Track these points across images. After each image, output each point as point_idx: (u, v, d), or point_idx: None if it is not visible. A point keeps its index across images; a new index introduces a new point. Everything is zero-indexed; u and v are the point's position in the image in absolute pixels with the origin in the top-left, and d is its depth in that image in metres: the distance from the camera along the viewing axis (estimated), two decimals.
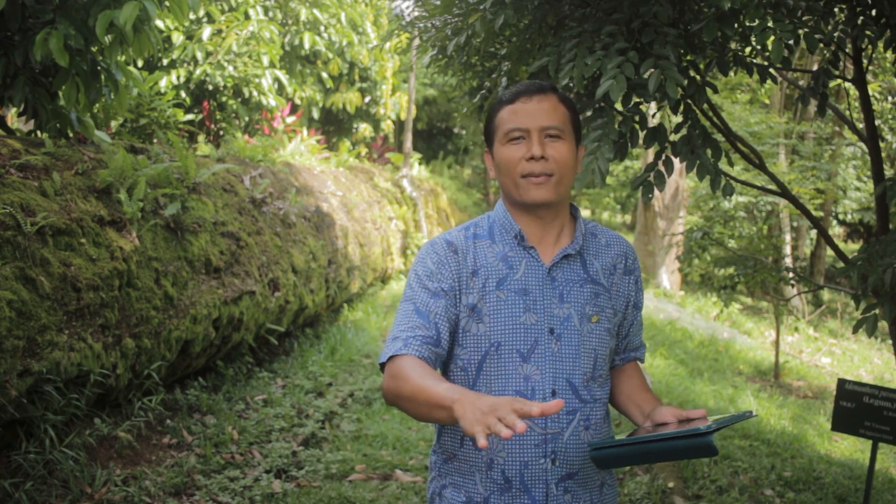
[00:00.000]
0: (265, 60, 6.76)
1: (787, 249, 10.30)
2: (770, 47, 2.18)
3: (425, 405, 1.33)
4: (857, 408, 3.15)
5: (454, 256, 1.60)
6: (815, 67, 7.23)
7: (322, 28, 9.03)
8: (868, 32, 2.61)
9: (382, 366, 1.51)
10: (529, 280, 1.58)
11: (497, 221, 1.65)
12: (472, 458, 1.59)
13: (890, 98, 10.24)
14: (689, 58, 2.36)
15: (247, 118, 7.03)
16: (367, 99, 11.81)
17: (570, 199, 1.68)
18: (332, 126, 12.01)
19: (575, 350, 1.57)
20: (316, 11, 8.68)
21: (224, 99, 6.69)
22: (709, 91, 2.38)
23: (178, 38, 6.31)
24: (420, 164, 15.31)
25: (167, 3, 3.61)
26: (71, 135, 3.98)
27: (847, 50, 2.90)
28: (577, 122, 1.62)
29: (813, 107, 11.06)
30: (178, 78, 6.28)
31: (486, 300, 1.57)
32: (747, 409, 1.56)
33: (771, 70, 2.64)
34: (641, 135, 2.39)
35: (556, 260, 1.60)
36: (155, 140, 5.30)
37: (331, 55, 9.22)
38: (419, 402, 1.35)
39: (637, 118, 2.35)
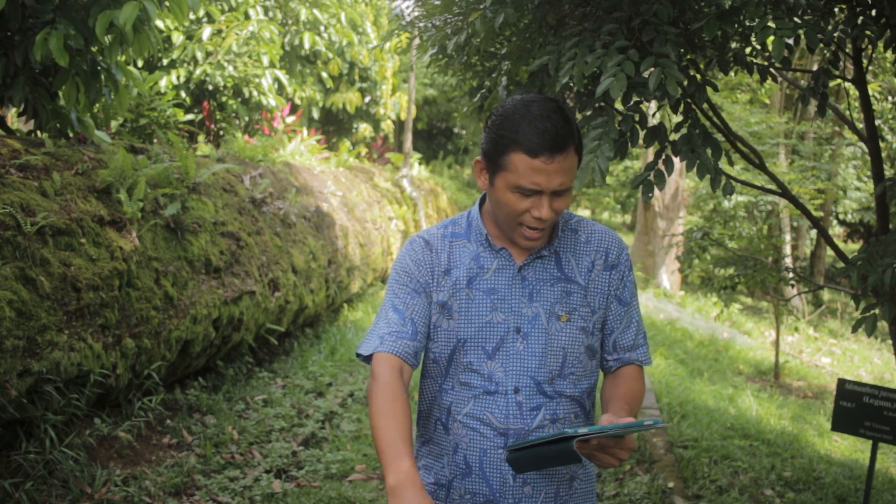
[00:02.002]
0: (265, 60, 6.76)
1: (787, 249, 10.29)
2: (770, 46, 2.18)
3: (378, 452, 1.41)
4: (857, 408, 3.15)
5: (429, 254, 1.64)
6: (815, 67, 7.23)
7: (322, 28, 9.02)
8: (868, 32, 2.61)
9: (360, 356, 1.59)
10: (499, 279, 1.60)
11: (473, 222, 1.66)
12: (442, 442, 1.65)
13: (890, 98, 10.24)
14: (689, 57, 2.36)
15: (247, 118, 7.03)
16: (367, 99, 11.80)
17: None
18: (332, 126, 12.01)
19: (542, 349, 1.57)
20: (316, 11, 8.68)
21: (224, 99, 6.69)
22: (709, 90, 2.38)
23: (178, 38, 6.31)
24: (420, 164, 15.30)
25: (167, 3, 3.61)
26: (71, 135, 3.98)
27: (847, 50, 2.90)
28: (581, 153, 1.55)
29: (813, 107, 11.06)
30: (178, 78, 6.28)
31: (456, 298, 1.60)
32: (656, 419, 1.49)
33: (771, 69, 2.64)
34: (641, 134, 2.39)
35: (528, 260, 1.60)
36: (155, 140, 5.30)
37: (331, 55, 9.22)
38: (377, 442, 1.43)
39: (637, 117, 2.35)
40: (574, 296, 1.60)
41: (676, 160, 2.39)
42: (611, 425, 1.34)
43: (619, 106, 2.31)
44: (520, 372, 1.57)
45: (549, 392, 1.58)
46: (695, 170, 2.31)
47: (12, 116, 5.63)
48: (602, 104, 2.19)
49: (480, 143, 1.59)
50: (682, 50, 2.30)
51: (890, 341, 5.49)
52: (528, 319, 1.58)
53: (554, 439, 1.34)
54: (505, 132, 1.49)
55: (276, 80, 6.95)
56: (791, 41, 2.43)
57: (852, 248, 17.59)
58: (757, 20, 2.05)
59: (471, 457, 1.59)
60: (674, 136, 2.46)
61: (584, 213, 28.16)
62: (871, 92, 3.80)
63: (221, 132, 7.05)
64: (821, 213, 11.22)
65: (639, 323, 1.69)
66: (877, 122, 5.23)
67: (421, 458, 1.70)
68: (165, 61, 6.43)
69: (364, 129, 12.02)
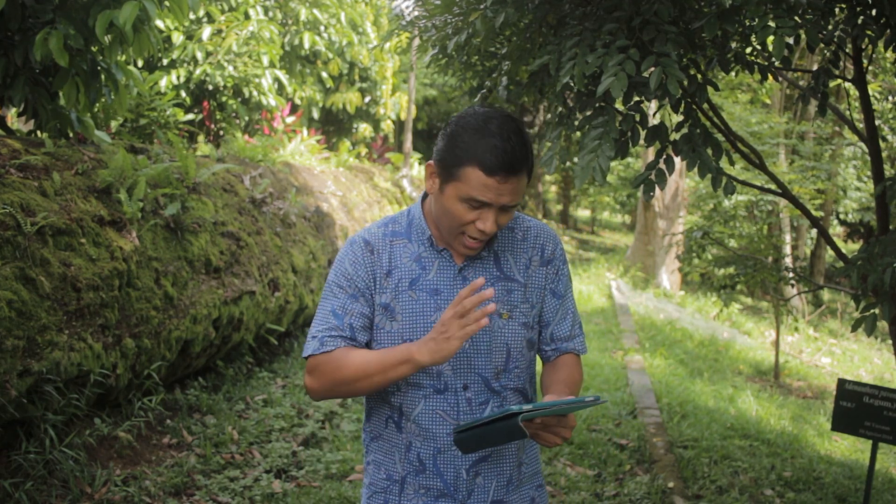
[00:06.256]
0: (265, 60, 6.76)
1: (787, 249, 10.29)
2: (770, 45, 2.18)
3: (379, 373, 1.51)
4: (857, 408, 3.15)
5: (370, 256, 1.64)
6: (815, 67, 7.23)
7: (322, 28, 9.02)
8: (868, 32, 2.61)
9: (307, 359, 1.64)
10: (441, 280, 1.63)
11: (414, 221, 1.67)
12: (394, 440, 1.68)
13: (890, 98, 10.24)
14: (690, 56, 2.36)
15: (247, 118, 7.03)
16: (367, 99, 11.80)
17: None
18: (332, 126, 12.00)
19: (486, 346, 1.62)
20: (316, 11, 8.67)
21: (224, 99, 6.68)
22: (709, 91, 2.38)
23: (178, 38, 6.31)
24: (420, 164, 15.29)
25: (167, 3, 3.60)
26: (71, 135, 3.98)
27: (847, 50, 2.90)
28: (531, 174, 1.58)
29: (813, 107, 11.06)
30: (178, 78, 6.28)
31: (399, 300, 1.62)
32: (596, 395, 1.56)
33: (771, 69, 2.64)
34: (642, 133, 2.39)
35: (468, 261, 1.64)
36: (155, 140, 5.30)
37: (331, 55, 9.21)
38: (371, 374, 1.52)
39: (638, 116, 2.35)
40: (515, 293, 1.65)
41: (677, 160, 2.39)
42: (552, 401, 1.41)
43: (619, 105, 2.31)
44: (467, 370, 1.62)
45: (496, 387, 1.64)
46: (695, 169, 2.31)
47: (12, 116, 5.63)
48: (603, 104, 2.19)
49: (435, 148, 1.59)
50: (683, 49, 2.30)
51: (890, 341, 5.49)
52: None
53: (499, 417, 1.40)
54: (463, 145, 1.51)
55: (276, 80, 6.94)
56: (791, 40, 2.43)
57: (852, 248, 17.59)
58: (757, 19, 2.05)
59: (424, 454, 1.63)
60: (674, 136, 2.46)
61: (583, 213, 28.14)
62: (871, 92, 3.80)
63: (221, 132, 7.05)
64: (821, 213, 11.22)
65: (574, 314, 1.75)
66: (877, 122, 5.23)
67: (371, 454, 1.73)
68: (165, 61, 6.43)
69: (364, 129, 12.01)
